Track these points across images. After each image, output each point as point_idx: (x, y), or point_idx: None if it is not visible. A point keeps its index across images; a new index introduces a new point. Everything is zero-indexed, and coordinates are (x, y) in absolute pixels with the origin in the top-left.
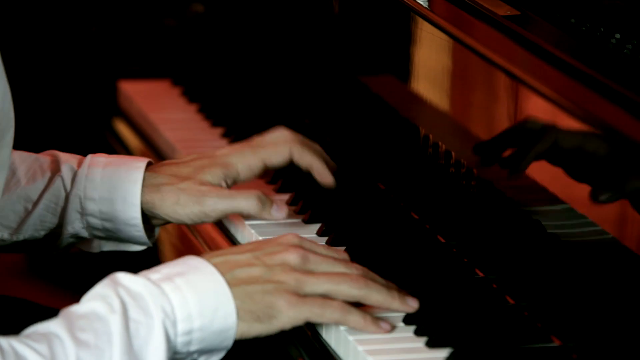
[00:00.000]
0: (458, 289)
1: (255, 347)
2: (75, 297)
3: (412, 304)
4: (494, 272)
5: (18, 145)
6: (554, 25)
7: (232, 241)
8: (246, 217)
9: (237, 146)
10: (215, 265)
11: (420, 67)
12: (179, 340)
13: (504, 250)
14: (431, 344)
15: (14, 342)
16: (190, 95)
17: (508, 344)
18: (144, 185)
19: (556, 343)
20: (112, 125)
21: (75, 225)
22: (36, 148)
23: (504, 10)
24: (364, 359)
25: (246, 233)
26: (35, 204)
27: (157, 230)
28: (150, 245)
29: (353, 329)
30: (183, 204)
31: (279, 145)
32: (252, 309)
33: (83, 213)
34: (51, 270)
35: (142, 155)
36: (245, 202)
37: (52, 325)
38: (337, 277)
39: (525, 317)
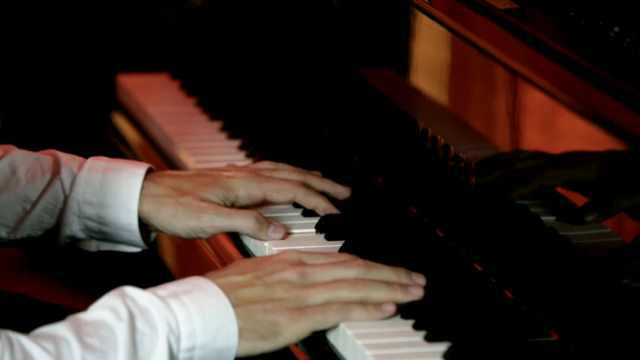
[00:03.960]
0: (456, 283)
1: None
2: (75, 292)
3: (416, 292)
4: (493, 267)
5: (17, 139)
6: (553, 18)
7: (235, 242)
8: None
9: (244, 172)
10: (219, 286)
11: (419, 60)
12: (181, 356)
13: (503, 244)
14: (430, 338)
15: (21, 337)
16: (189, 88)
17: (506, 338)
18: (142, 194)
19: (554, 337)
20: (111, 119)
21: (72, 228)
22: (35, 142)
23: (502, 4)
24: (363, 353)
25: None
26: (34, 204)
27: (154, 235)
28: (146, 248)
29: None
30: (180, 218)
31: (284, 186)
32: (255, 328)
33: (81, 216)
34: (51, 265)
35: (140, 148)
36: (243, 221)
37: (58, 328)
38: (335, 285)
39: (524, 311)
